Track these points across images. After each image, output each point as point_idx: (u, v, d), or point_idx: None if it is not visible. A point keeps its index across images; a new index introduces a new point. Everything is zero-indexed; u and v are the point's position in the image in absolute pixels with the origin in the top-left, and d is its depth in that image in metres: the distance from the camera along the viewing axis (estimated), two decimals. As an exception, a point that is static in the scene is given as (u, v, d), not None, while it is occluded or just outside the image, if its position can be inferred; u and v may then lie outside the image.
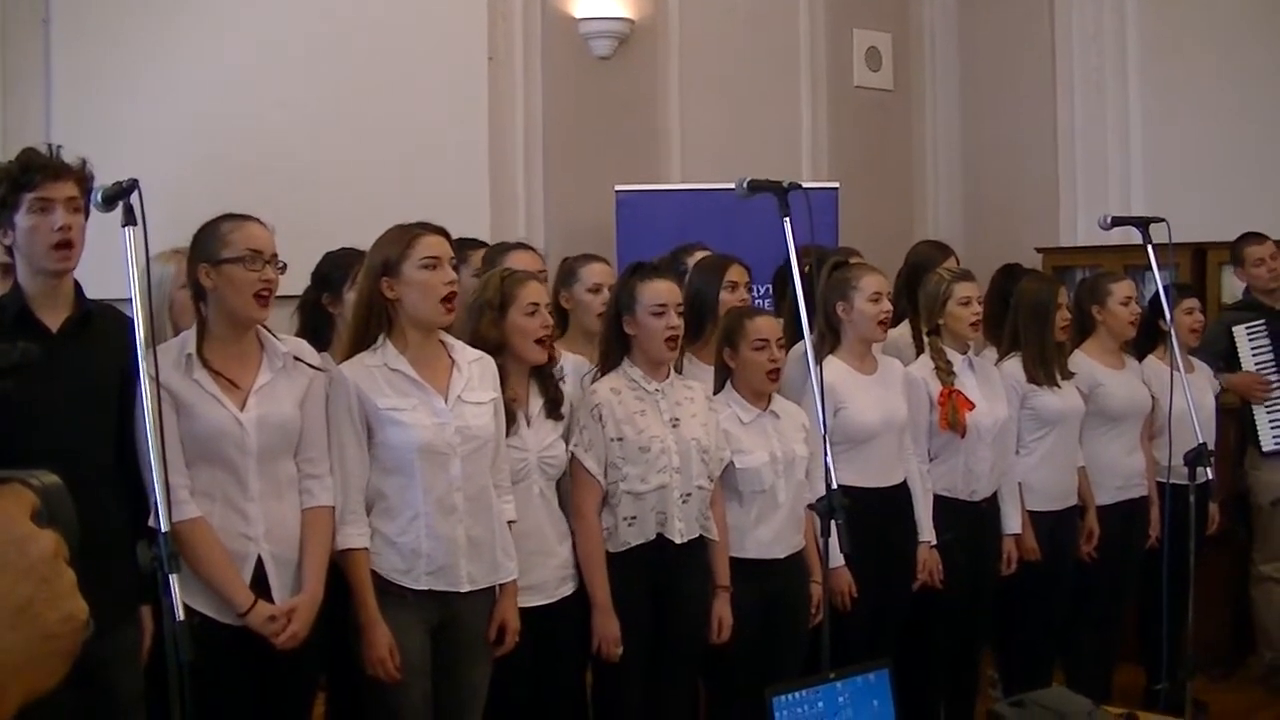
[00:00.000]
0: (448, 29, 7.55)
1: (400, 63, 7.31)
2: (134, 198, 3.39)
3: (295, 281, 4.70)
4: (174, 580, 3.23)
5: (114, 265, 3.42)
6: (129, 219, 3.40)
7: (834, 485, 4.02)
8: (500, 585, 4.23)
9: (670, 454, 4.61)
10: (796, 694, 3.50)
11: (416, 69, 7.36)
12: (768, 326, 4.88)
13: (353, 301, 4.33)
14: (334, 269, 4.85)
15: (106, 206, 3.45)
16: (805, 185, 4.37)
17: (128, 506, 3.69)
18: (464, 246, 5.31)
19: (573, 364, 4.90)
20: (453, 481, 4.08)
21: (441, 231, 4.18)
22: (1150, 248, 5.41)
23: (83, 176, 3.70)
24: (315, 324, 4.89)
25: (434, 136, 7.35)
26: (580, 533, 4.58)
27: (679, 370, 4.87)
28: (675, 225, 7.01)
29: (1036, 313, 5.82)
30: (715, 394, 4.92)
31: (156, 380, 3.48)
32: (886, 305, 5.28)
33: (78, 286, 3.79)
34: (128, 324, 3.62)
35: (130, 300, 3.39)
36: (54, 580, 1.21)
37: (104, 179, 3.55)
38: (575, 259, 5.34)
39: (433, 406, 4.09)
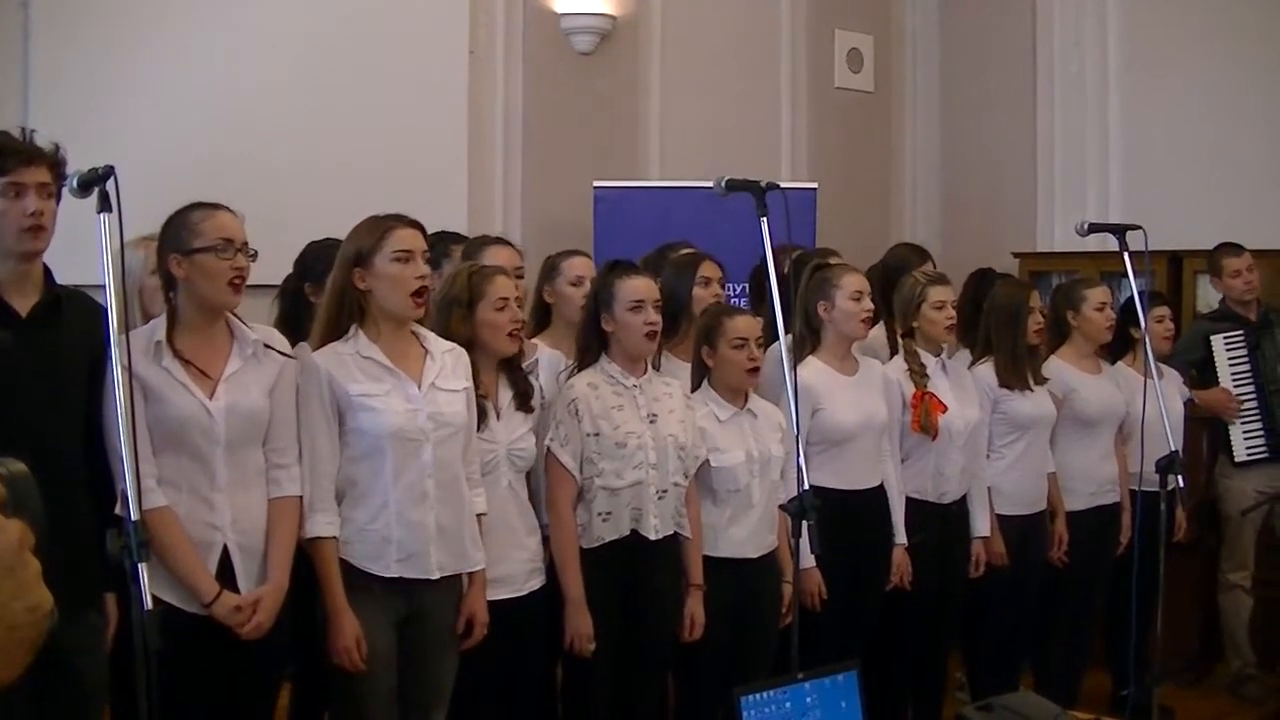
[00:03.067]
0: (429, 22, 7.55)
1: (381, 55, 7.31)
2: (110, 184, 3.37)
3: (273, 272, 4.69)
4: (143, 569, 3.21)
5: (86, 251, 3.40)
6: (104, 205, 3.37)
7: (806, 486, 4.02)
8: (468, 577, 4.23)
9: (647, 450, 4.61)
10: (764, 694, 3.50)
11: (398, 61, 7.36)
12: (747, 325, 4.88)
13: (325, 291, 4.31)
14: (317, 259, 4.82)
15: (82, 192, 3.41)
16: (784, 185, 4.36)
17: (93, 494, 3.67)
18: (447, 241, 5.30)
19: (548, 359, 4.91)
20: (424, 468, 4.07)
21: (415, 225, 4.17)
22: (1127, 255, 5.42)
23: (55, 162, 3.67)
24: (295, 312, 4.88)
25: (414, 129, 7.35)
26: (554, 528, 4.58)
27: (657, 367, 4.87)
28: (653, 222, 7.01)
29: (1008, 317, 5.83)
30: (692, 391, 4.92)
31: (129, 370, 3.46)
32: (868, 304, 5.29)
33: (47, 271, 3.76)
34: (98, 310, 3.60)
35: (103, 287, 3.37)
36: (19, 570, 1.20)
37: (80, 164, 3.52)
38: (557, 254, 5.34)
39: (406, 392, 4.08)
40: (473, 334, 4.38)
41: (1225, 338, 6.97)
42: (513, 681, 4.52)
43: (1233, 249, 7.04)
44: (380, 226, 4.11)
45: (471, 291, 4.41)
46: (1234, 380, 6.93)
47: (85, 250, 3.43)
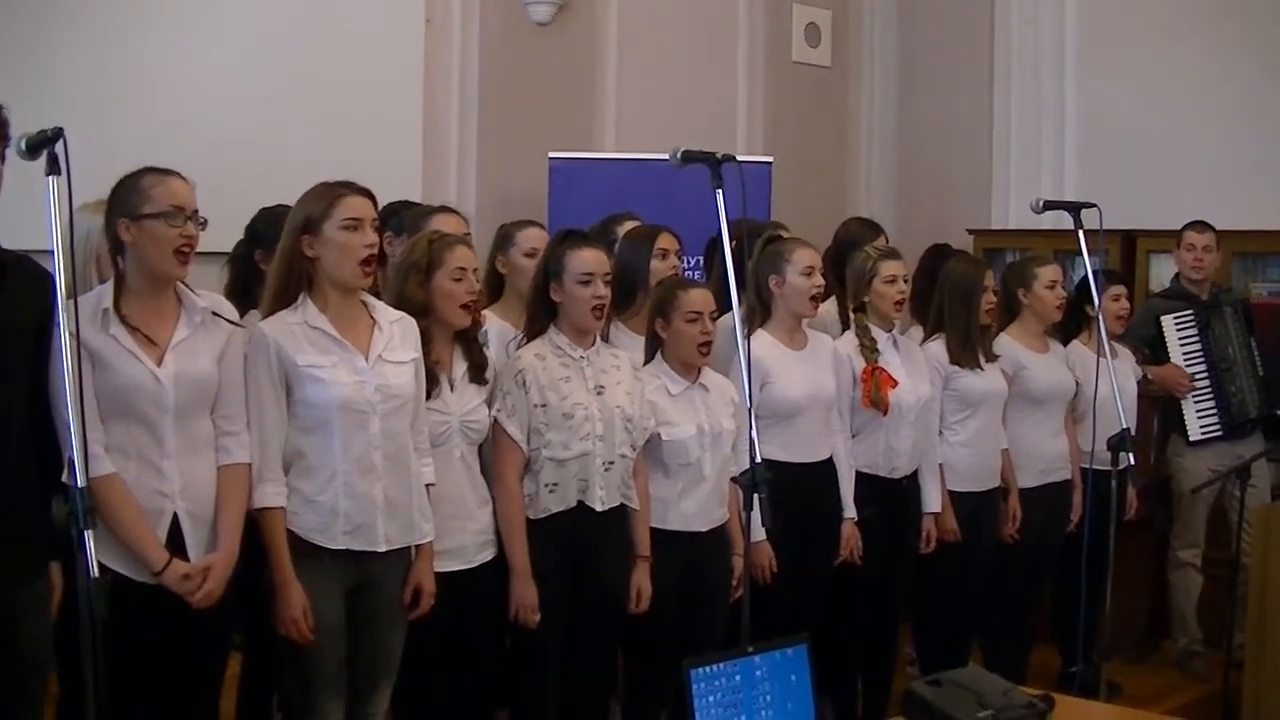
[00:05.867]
0: (386, -9, 7.50)
1: (337, 23, 7.26)
2: (59, 146, 3.32)
3: (224, 239, 4.65)
4: (89, 536, 3.17)
5: (35, 215, 3.35)
6: (53, 168, 3.32)
7: (758, 459, 4.01)
8: (416, 548, 4.21)
9: (594, 421, 4.60)
10: (714, 667, 3.49)
11: (353, 28, 7.30)
12: (701, 299, 4.87)
13: (274, 258, 4.26)
14: (268, 225, 4.78)
15: (30, 155, 3.36)
16: (740, 159, 4.32)
17: (40, 463, 3.62)
18: (413, 210, 5.28)
19: (498, 329, 4.89)
20: (372, 440, 4.05)
21: (366, 193, 4.13)
22: (1080, 233, 5.43)
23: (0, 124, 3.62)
24: (246, 279, 4.85)
25: (369, 98, 7.30)
26: (501, 499, 4.56)
27: (606, 339, 4.85)
28: (608, 194, 6.97)
29: (962, 294, 5.83)
30: (645, 364, 4.91)
31: (77, 336, 3.42)
32: (819, 280, 5.29)
33: (-8, 237, 3.72)
34: (44, 277, 3.55)
35: (51, 252, 3.32)
36: None
37: (29, 127, 3.47)
38: (512, 224, 5.30)
39: (353, 364, 4.05)
40: (428, 301, 4.36)
41: (1175, 318, 7.00)
42: (463, 653, 4.51)
43: (1199, 226, 7.07)
44: (330, 193, 4.07)
45: (431, 258, 4.38)
46: (1185, 359, 6.97)
47: (32, 214, 3.38)
